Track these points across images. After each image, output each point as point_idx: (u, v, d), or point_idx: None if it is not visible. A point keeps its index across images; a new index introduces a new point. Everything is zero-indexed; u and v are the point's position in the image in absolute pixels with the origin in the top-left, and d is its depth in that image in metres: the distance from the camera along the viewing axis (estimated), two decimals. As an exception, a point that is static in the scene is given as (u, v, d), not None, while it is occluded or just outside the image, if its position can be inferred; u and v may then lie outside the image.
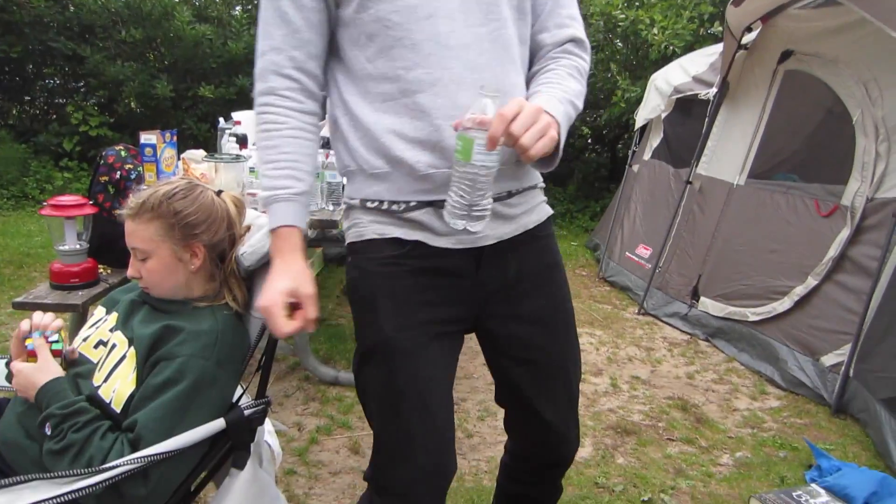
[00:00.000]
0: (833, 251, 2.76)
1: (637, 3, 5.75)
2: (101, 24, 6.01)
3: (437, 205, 1.03)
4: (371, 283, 1.07)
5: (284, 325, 0.97)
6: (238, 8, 6.58)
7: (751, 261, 3.19)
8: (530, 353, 1.15)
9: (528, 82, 1.12)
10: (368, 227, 1.08)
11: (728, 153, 3.53)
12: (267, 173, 1.06)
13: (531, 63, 1.14)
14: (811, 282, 2.83)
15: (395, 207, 1.06)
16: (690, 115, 3.97)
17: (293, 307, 1.00)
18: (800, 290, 2.87)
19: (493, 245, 1.09)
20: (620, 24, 5.49)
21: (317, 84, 1.09)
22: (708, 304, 3.37)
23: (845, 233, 2.73)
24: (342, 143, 1.10)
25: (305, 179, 1.06)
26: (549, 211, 1.20)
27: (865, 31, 2.74)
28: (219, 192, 1.28)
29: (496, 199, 1.05)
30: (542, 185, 1.19)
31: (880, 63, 2.73)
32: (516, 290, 1.12)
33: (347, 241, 1.13)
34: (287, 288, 0.98)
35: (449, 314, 1.09)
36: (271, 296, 0.98)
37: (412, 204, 1.05)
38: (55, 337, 1.19)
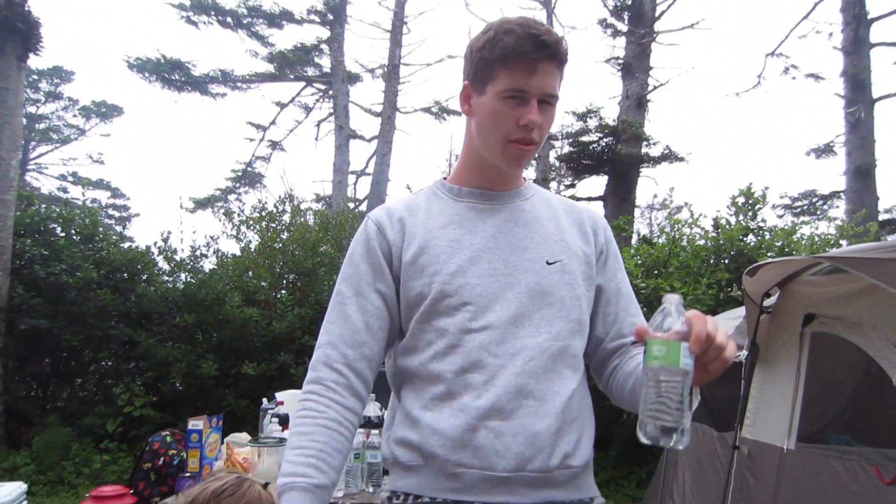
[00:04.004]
0: (907, 522, 2.55)
1: (656, 272, 6.10)
2: (157, 311, 6.51)
3: None
4: None
5: None
6: (283, 291, 7.12)
7: (820, 535, 2.94)
8: None
9: (610, 376, 1.18)
10: None
11: (771, 416, 3.46)
12: (290, 459, 1.04)
13: (601, 365, 1.22)
14: (892, 559, 2.57)
15: (420, 501, 1.06)
16: (726, 378, 3.97)
17: None
18: (882, 570, 2.60)
19: None
20: (642, 291, 5.78)
21: (363, 385, 1.14)
22: (782, 588, 3.03)
23: (915, 501, 2.55)
24: (388, 435, 1.14)
25: (328, 473, 1.04)
26: None
27: (883, 295, 2.83)
28: (265, 485, 1.30)
29: None
30: (601, 501, 1.16)
31: (904, 324, 2.78)
32: None
33: None
34: None
35: None
36: None
37: (438, 500, 1.05)
38: None
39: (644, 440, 0.92)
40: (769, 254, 5.89)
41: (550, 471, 1.06)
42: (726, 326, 4.14)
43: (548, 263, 1.15)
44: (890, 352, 2.80)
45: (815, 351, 3.29)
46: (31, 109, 20.74)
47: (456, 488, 1.05)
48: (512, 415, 1.05)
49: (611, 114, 11.20)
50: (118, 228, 8.28)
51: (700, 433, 4.14)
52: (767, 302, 3.63)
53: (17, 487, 3.57)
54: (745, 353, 3.73)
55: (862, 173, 10.58)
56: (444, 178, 1.27)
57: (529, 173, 12.04)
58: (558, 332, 1.12)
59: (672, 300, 0.94)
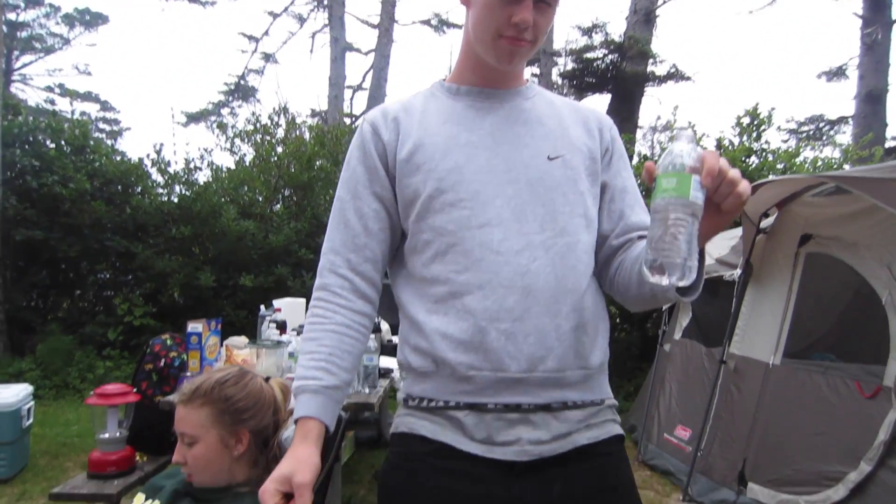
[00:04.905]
0: (883, 434, 2.65)
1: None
2: (153, 223, 6.50)
3: (478, 408, 1.05)
4: (396, 477, 1.08)
5: None
6: (279, 205, 7.10)
7: (798, 444, 3.06)
8: None
9: (616, 270, 1.14)
10: (403, 420, 1.11)
11: (760, 333, 3.53)
12: (302, 363, 1.09)
13: (606, 263, 1.18)
14: (864, 468, 2.68)
15: (433, 405, 1.08)
16: (717, 296, 4.04)
17: (290, 496, 0.97)
18: (854, 477, 2.72)
19: (530, 460, 1.05)
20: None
21: (370, 286, 1.14)
22: (757, 491, 3.18)
23: (893, 415, 2.64)
24: (402, 342, 1.15)
25: (338, 374, 1.08)
26: (617, 430, 1.13)
27: (881, 216, 2.84)
28: (267, 379, 1.34)
29: (544, 409, 1.06)
30: (613, 402, 1.15)
31: (900, 245, 2.80)
32: None
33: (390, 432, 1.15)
34: (281, 475, 0.97)
35: None
36: (266, 482, 0.97)
37: (451, 403, 1.06)
38: None
39: (649, 277, 0.86)
40: (770, 175, 5.86)
41: (562, 371, 1.06)
42: (722, 246, 4.17)
43: (549, 159, 1.11)
44: (882, 271, 2.83)
45: (809, 271, 3.33)
46: (11, 17, 19.96)
47: (469, 391, 1.05)
48: (523, 316, 1.04)
49: (617, 30, 10.83)
50: (109, 143, 8.13)
51: (689, 348, 4.24)
52: (764, 223, 3.64)
53: (24, 389, 3.68)
54: (738, 271, 3.77)
55: (873, 98, 10.35)
56: (444, 80, 1.23)
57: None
58: (564, 228, 1.09)
59: (683, 135, 0.87)
